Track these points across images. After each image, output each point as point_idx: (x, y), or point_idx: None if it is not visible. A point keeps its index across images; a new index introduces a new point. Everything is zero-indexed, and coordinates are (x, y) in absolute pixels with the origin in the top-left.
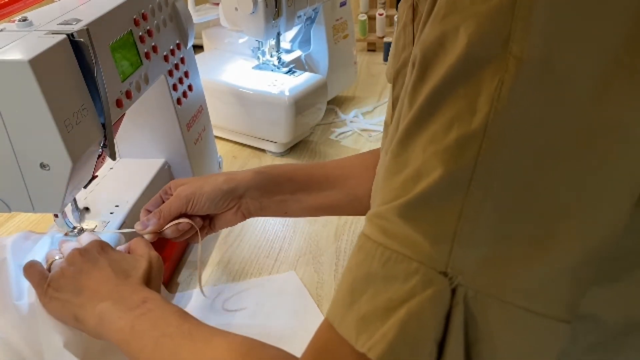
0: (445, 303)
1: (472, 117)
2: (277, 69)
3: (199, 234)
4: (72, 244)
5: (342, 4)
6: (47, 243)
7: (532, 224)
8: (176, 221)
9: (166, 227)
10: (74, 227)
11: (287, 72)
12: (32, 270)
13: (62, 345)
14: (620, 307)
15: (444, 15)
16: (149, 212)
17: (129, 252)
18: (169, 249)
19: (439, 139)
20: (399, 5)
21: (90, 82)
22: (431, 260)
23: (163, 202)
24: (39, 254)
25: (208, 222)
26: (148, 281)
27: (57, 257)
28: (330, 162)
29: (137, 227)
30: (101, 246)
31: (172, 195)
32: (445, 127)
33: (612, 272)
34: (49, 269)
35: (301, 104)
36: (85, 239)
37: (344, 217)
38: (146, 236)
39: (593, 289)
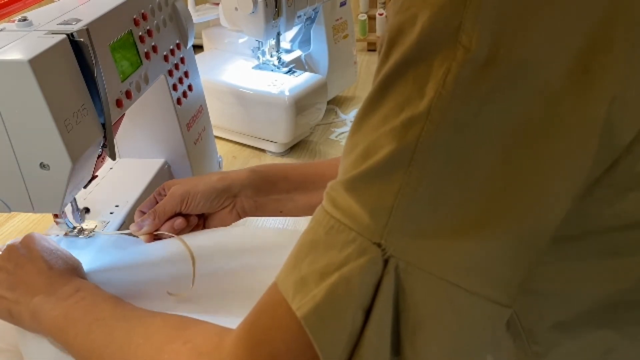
0: (377, 272)
1: (420, 101)
2: (277, 69)
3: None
4: (10, 241)
5: (342, 4)
6: None
7: (466, 205)
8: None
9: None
10: (74, 227)
11: (287, 72)
12: None
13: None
14: (587, 285)
15: (405, 4)
16: (143, 213)
17: None
18: None
19: (390, 120)
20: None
21: (90, 82)
22: (367, 231)
23: (157, 202)
24: None
25: (202, 222)
26: (78, 273)
27: None
28: (324, 161)
29: (132, 228)
30: (36, 239)
31: (165, 195)
32: (396, 109)
33: (574, 251)
34: None
35: (301, 104)
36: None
37: None
38: (142, 237)
39: (557, 266)
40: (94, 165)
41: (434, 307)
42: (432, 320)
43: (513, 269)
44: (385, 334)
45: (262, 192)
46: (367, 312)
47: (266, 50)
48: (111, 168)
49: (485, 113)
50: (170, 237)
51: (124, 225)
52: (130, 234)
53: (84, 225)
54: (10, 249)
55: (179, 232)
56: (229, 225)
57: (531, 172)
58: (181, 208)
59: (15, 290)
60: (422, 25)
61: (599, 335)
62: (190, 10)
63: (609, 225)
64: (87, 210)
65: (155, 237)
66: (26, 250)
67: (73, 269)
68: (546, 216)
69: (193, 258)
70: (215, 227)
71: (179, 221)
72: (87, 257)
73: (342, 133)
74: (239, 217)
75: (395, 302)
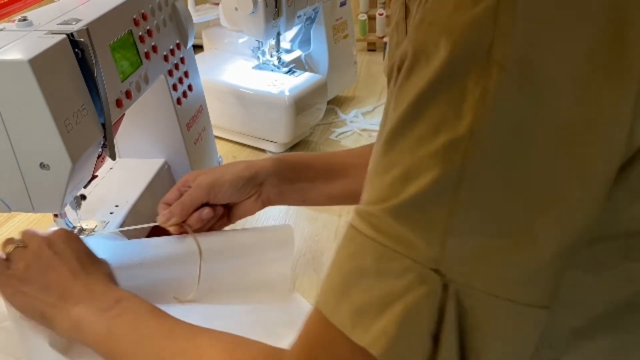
0: (439, 298)
1: (458, 122)
2: (277, 69)
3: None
4: (33, 232)
5: (342, 4)
6: None
7: (515, 221)
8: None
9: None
10: (74, 227)
11: (287, 72)
12: None
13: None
14: (600, 289)
15: (429, 22)
16: (168, 205)
17: None
18: None
19: (427, 142)
20: (392, 3)
21: (90, 82)
22: (424, 258)
23: (181, 195)
24: None
25: (227, 212)
26: (111, 276)
27: (15, 244)
28: (346, 151)
29: (160, 220)
30: (67, 237)
31: (189, 187)
32: (432, 130)
33: (588, 255)
34: (7, 258)
35: (301, 104)
36: (50, 229)
37: (344, 217)
38: (170, 228)
39: (572, 271)
40: (94, 165)
41: (496, 325)
42: (496, 337)
43: (558, 274)
44: (455, 358)
45: (286, 181)
46: (434, 338)
47: (266, 50)
48: (111, 168)
49: (527, 128)
50: (191, 233)
51: (123, 226)
52: (134, 232)
53: (84, 225)
54: (40, 246)
55: (207, 222)
56: (253, 214)
57: (575, 179)
58: (208, 198)
59: (49, 293)
60: (453, 43)
61: (614, 338)
62: (190, 10)
63: (625, 229)
64: (83, 197)
65: (181, 228)
66: (57, 250)
67: (107, 274)
68: (589, 218)
69: (201, 255)
70: (240, 217)
71: (206, 211)
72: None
73: (342, 133)
74: (264, 205)
75: (459, 325)
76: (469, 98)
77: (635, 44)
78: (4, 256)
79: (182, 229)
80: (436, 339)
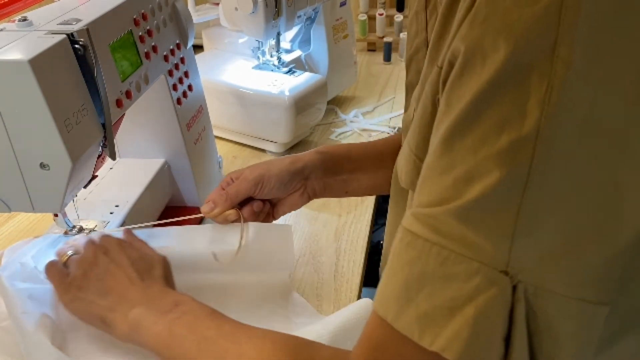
0: (508, 300)
1: (523, 121)
2: (277, 69)
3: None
4: (84, 239)
5: (342, 4)
6: (46, 245)
7: (584, 219)
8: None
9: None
10: (74, 227)
11: (287, 72)
12: (53, 269)
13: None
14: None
15: (484, 17)
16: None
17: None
18: None
19: (490, 142)
20: None
21: (90, 82)
22: (492, 260)
23: None
24: (41, 260)
25: (270, 209)
26: (167, 280)
27: (69, 253)
28: (383, 140)
29: (204, 208)
30: (121, 244)
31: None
32: (495, 130)
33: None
34: (65, 264)
35: (301, 104)
36: (97, 235)
37: (344, 217)
38: (214, 219)
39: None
40: (94, 165)
41: (567, 325)
42: (567, 337)
43: (622, 269)
44: (526, 359)
45: (330, 173)
46: (506, 341)
47: (266, 50)
48: (111, 168)
49: (594, 123)
50: (242, 219)
51: (123, 226)
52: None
53: (84, 225)
54: (96, 254)
55: (258, 214)
56: (298, 209)
57: (637, 172)
58: (255, 192)
59: (108, 298)
60: (515, 41)
61: (629, 340)
62: (190, 10)
63: None
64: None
65: (224, 220)
66: (113, 256)
67: (164, 277)
68: None
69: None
70: (285, 212)
71: (257, 203)
72: None
73: (342, 133)
74: (309, 199)
75: (528, 326)
76: (534, 96)
77: None
78: (61, 265)
79: (224, 220)
80: (507, 340)
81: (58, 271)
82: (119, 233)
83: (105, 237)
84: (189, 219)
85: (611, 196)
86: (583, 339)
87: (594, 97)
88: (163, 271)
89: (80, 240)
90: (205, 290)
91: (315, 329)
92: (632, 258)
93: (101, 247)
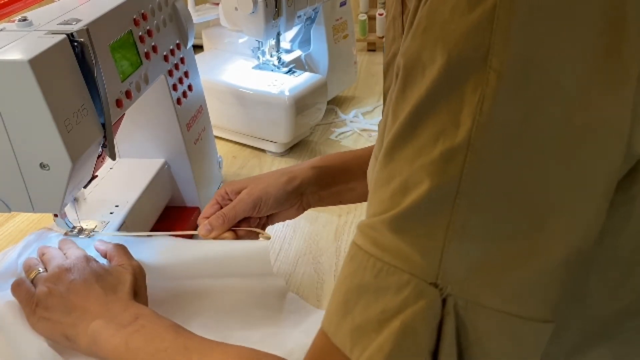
0: (437, 313)
1: (456, 131)
2: (277, 69)
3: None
4: (53, 253)
5: (342, 4)
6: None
7: (516, 231)
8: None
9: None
10: (74, 227)
11: (287, 72)
12: (20, 289)
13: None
14: (594, 299)
15: (424, 29)
16: (207, 219)
17: (105, 257)
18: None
19: (425, 152)
20: None
21: (90, 82)
22: (422, 271)
23: (221, 207)
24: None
25: (265, 220)
26: (135, 294)
27: (40, 270)
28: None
29: (201, 231)
30: (86, 260)
31: (230, 200)
32: (430, 140)
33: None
34: (32, 281)
35: (301, 104)
36: (67, 248)
37: (343, 217)
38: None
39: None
40: (94, 165)
41: (497, 340)
42: (496, 352)
43: (561, 286)
44: None
45: (325, 186)
46: (433, 354)
47: (266, 50)
48: (111, 168)
49: (526, 135)
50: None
51: (123, 226)
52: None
53: (84, 225)
54: (60, 271)
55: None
56: (293, 219)
57: (575, 187)
58: (253, 213)
59: (71, 315)
60: (449, 52)
61: (605, 346)
62: (190, 10)
63: (622, 241)
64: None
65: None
66: (77, 274)
67: (130, 290)
68: (592, 229)
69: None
70: (280, 221)
71: (253, 223)
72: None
73: (342, 133)
74: (304, 211)
75: (458, 340)
76: (467, 106)
77: (633, 50)
78: (29, 282)
79: (229, 236)
80: (435, 355)
81: (25, 291)
82: (108, 238)
83: (73, 251)
84: (183, 234)
85: (540, 211)
86: (516, 356)
87: (525, 110)
88: (130, 284)
89: (50, 254)
90: (185, 296)
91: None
92: (580, 275)
93: (67, 266)
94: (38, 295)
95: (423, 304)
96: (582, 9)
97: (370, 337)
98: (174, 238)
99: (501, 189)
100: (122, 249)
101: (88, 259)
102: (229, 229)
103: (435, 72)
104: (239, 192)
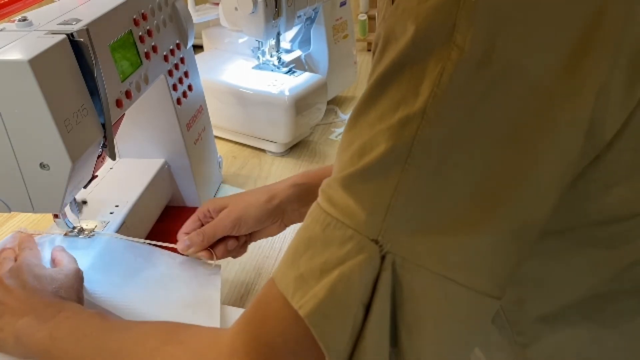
0: (375, 268)
1: (415, 100)
2: (277, 69)
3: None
4: (4, 258)
5: (342, 4)
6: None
7: (462, 199)
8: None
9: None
10: (74, 227)
11: (287, 72)
12: None
13: None
14: (568, 277)
15: (401, 8)
16: (187, 234)
17: (53, 260)
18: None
19: (386, 118)
20: None
21: (90, 82)
22: (365, 228)
23: (202, 224)
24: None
25: (246, 238)
26: (67, 295)
27: None
28: None
29: (179, 246)
30: (26, 267)
31: (212, 218)
32: (392, 107)
33: (556, 245)
34: None
35: (301, 104)
36: (21, 251)
37: None
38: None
39: (540, 259)
40: (94, 165)
41: (430, 301)
42: (428, 313)
43: (505, 262)
44: (385, 328)
45: (306, 203)
46: (367, 307)
47: (266, 50)
48: (111, 168)
49: (479, 112)
50: (215, 259)
51: (123, 226)
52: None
53: (84, 225)
54: (1, 278)
55: (231, 251)
56: (274, 235)
57: (523, 168)
58: (232, 232)
59: (2, 319)
60: (417, 26)
61: (583, 326)
62: (190, 10)
63: (592, 219)
64: (84, 203)
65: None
66: (15, 280)
67: (52, 293)
68: (537, 210)
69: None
70: (261, 238)
71: (231, 242)
72: (87, 258)
73: (342, 133)
74: (285, 227)
75: (393, 296)
76: (428, 77)
77: (600, 43)
78: None
79: (205, 255)
80: (369, 308)
81: None
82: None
83: (18, 264)
84: (165, 246)
85: (487, 183)
86: (448, 322)
87: (484, 87)
88: (60, 284)
89: (2, 256)
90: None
91: None
92: (537, 255)
93: (8, 271)
94: None
95: (362, 258)
96: (551, 9)
97: (310, 285)
98: (155, 248)
99: (449, 159)
100: (66, 255)
101: (32, 265)
102: (206, 248)
103: (402, 43)
104: (220, 211)
